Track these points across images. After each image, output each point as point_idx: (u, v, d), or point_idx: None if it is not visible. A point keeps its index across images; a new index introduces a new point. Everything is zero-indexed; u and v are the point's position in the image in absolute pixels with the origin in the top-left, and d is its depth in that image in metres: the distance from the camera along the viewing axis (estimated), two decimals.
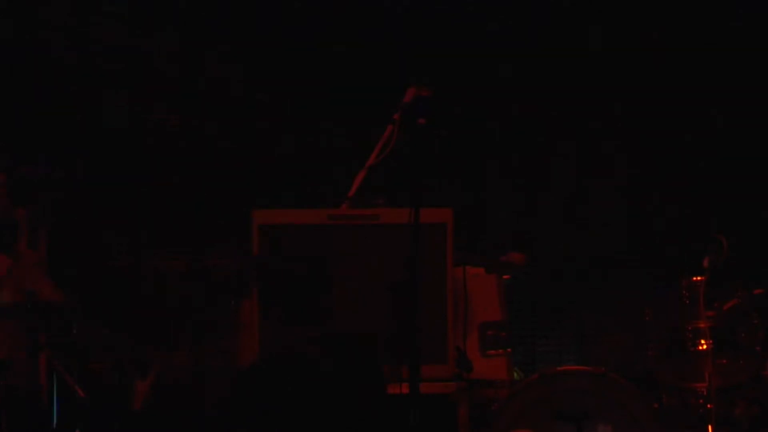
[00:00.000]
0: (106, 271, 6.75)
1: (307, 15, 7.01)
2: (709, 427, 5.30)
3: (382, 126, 5.12)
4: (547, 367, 5.74)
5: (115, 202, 6.90)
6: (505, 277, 5.66)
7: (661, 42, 6.98)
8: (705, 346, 5.42)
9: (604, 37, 7.01)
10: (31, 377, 5.79)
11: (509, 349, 5.57)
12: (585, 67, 7.01)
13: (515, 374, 5.73)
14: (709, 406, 5.33)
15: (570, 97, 7.03)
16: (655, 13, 6.97)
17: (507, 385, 5.45)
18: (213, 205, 6.92)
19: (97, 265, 6.76)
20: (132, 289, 6.70)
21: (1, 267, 5.90)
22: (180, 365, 6.43)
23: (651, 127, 7.00)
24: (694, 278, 5.49)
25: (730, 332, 5.46)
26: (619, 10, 7.01)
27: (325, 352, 4.58)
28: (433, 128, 4.57)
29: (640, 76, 7.00)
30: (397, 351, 4.66)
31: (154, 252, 6.89)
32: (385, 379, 4.55)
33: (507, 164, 7.10)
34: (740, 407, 5.46)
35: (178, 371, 6.52)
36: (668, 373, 5.58)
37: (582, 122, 7.05)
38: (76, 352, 6.32)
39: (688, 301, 5.51)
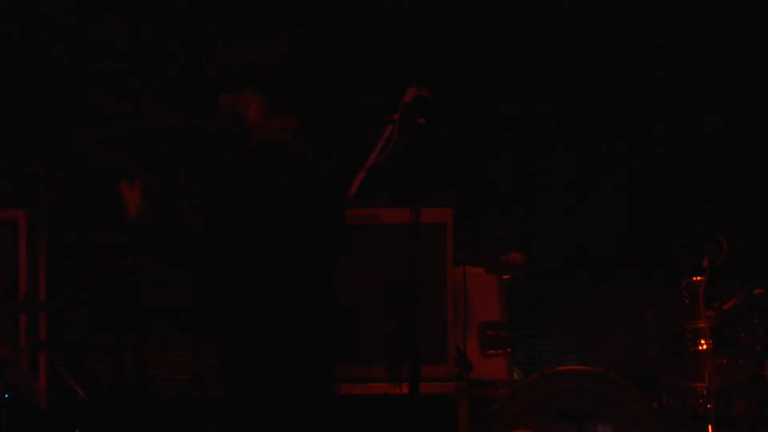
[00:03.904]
0: (106, 271, 6.75)
1: (305, 13, 7.00)
2: (709, 427, 5.30)
3: (382, 126, 5.11)
4: (547, 367, 5.73)
5: (115, 202, 6.88)
6: (505, 277, 5.66)
7: (662, 41, 6.98)
8: (705, 346, 5.42)
9: (605, 36, 7.01)
10: (31, 377, 5.80)
11: (509, 349, 5.56)
12: (585, 67, 7.01)
13: (515, 374, 5.72)
14: (709, 406, 5.32)
15: (571, 97, 7.03)
16: (657, 13, 6.97)
17: (507, 385, 5.45)
18: None
19: (97, 265, 6.76)
20: (132, 289, 6.70)
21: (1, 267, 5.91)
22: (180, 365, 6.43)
23: (651, 127, 7.00)
24: (694, 278, 5.49)
25: (730, 332, 5.45)
26: (620, 10, 7.01)
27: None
28: (433, 128, 4.56)
29: (641, 75, 6.99)
30: (397, 351, 4.66)
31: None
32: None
33: (507, 164, 7.09)
34: (740, 407, 5.46)
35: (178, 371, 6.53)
36: (668, 373, 5.58)
37: (582, 122, 7.04)
38: (76, 352, 6.33)
39: (688, 301, 5.51)
